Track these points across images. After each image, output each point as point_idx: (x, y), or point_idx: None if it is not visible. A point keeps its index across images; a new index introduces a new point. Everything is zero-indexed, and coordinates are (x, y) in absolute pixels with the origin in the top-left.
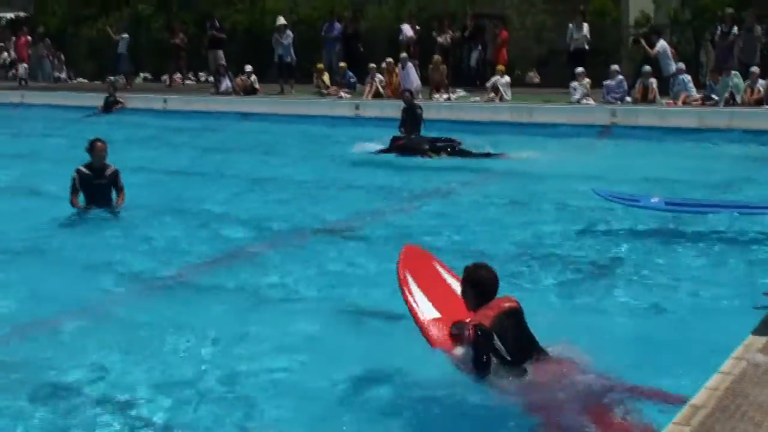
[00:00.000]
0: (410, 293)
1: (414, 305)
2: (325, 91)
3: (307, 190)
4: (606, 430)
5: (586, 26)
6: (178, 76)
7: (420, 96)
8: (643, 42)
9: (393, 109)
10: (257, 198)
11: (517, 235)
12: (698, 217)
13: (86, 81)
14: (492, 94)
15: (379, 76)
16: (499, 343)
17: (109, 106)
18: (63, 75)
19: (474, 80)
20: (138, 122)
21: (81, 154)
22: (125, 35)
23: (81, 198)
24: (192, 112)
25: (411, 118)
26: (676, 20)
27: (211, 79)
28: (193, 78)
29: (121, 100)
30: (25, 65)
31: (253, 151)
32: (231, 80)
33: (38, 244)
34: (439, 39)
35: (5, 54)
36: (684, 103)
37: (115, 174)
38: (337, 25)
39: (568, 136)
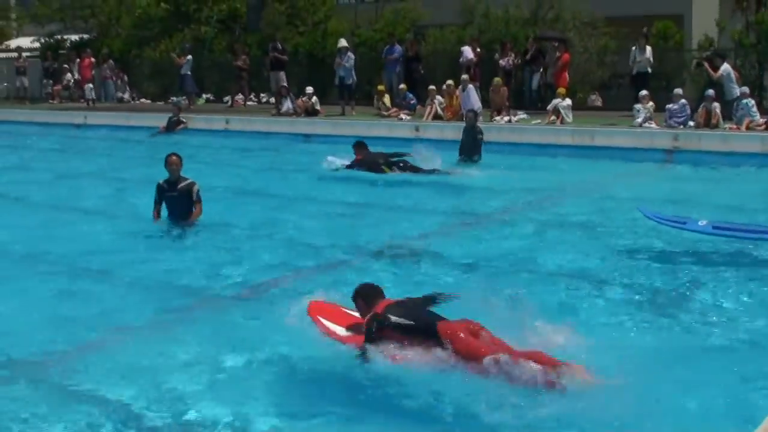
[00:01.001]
0: (325, 326)
1: (331, 331)
2: (385, 113)
3: (368, 210)
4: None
5: (649, 49)
6: (240, 97)
7: (480, 118)
8: (706, 65)
9: (452, 131)
10: (318, 218)
11: (562, 256)
12: (746, 243)
13: (149, 101)
14: (553, 117)
15: (439, 98)
16: (397, 318)
17: (172, 126)
18: (126, 96)
19: (535, 103)
20: (200, 142)
21: (141, 172)
22: (189, 57)
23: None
24: (253, 132)
25: (471, 140)
26: (740, 43)
27: (273, 100)
28: (254, 99)
29: (183, 120)
30: (91, 86)
31: (312, 171)
32: (292, 101)
33: (99, 259)
34: (501, 61)
35: (69, 75)
36: (747, 128)
37: (189, 187)
38: (398, 48)
39: (630, 159)
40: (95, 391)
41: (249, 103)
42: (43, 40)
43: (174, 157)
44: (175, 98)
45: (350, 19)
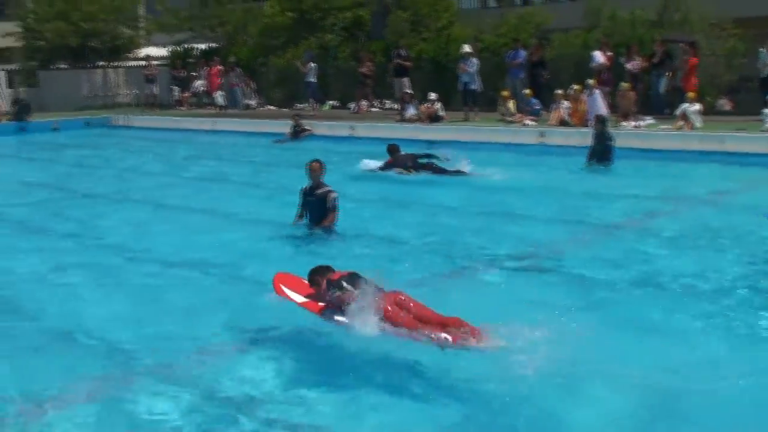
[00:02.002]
0: (287, 294)
1: (292, 298)
2: (509, 119)
3: (482, 218)
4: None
5: None
6: (364, 103)
7: (608, 124)
8: None
9: (578, 137)
10: (447, 224)
11: (698, 265)
12: None
13: (275, 108)
14: (681, 122)
15: (565, 103)
16: (346, 283)
17: (297, 134)
18: (253, 102)
19: (662, 108)
20: (324, 148)
21: (268, 176)
22: (313, 64)
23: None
24: (377, 138)
25: (602, 146)
26: None
27: (397, 106)
28: (378, 105)
29: (307, 127)
30: (222, 92)
31: (432, 179)
32: (416, 107)
33: (227, 261)
34: (627, 65)
35: (198, 83)
36: None
37: (326, 194)
38: (522, 52)
39: (762, 165)
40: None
41: (373, 109)
42: (171, 49)
43: (315, 163)
44: (299, 105)
45: (474, 25)
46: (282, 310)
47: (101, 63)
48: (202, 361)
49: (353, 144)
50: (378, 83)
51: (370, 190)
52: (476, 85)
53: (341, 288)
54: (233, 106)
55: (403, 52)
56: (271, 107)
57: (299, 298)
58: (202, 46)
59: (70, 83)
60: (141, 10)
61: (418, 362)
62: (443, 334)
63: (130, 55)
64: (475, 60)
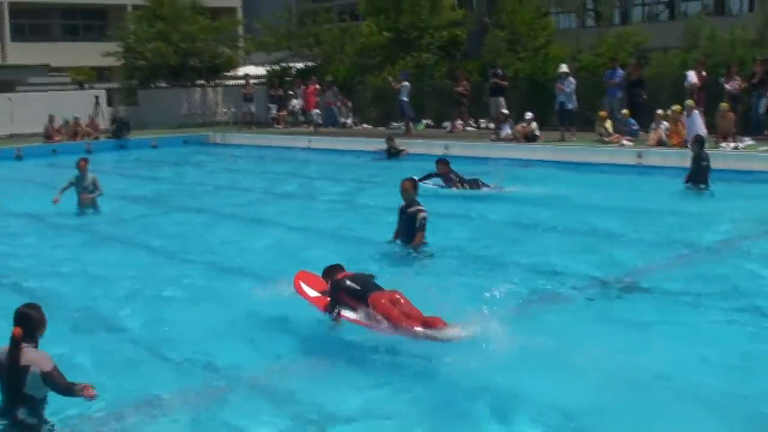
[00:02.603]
0: (303, 290)
1: (306, 294)
2: (606, 139)
3: (580, 237)
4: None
5: None
6: (459, 122)
7: (706, 145)
8: None
9: (677, 157)
10: (541, 244)
11: None
12: None
13: (370, 127)
14: None
15: (664, 124)
16: (349, 283)
17: (392, 155)
18: (349, 121)
19: (762, 128)
20: (419, 167)
21: (361, 195)
22: (406, 83)
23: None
24: (472, 158)
25: (698, 167)
26: None
27: (492, 125)
28: (474, 125)
29: (401, 148)
30: (318, 111)
31: (531, 198)
32: (512, 127)
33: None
34: (727, 86)
35: (295, 101)
36: None
37: (415, 213)
38: (620, 71)
39: None
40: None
41: (468, 128)
42: (269, 68)
43: (406, 182)
44: (394, 123)
45: (571, 44)
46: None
47: (200, 81)
48: (283, 377)
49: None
50: (473, 102)
51: (453, 207)
52: (573, 105)
53: (342, 287)
54: (329, 124)
55: (499, 71)
56: (367, 126)
57: (312, 294)
58: (299, 65)
59: (168, 101)
60: (240, 30)
61: (406, 351)
62: (421, 329)
63: (229, 74)
64: (572, 79)
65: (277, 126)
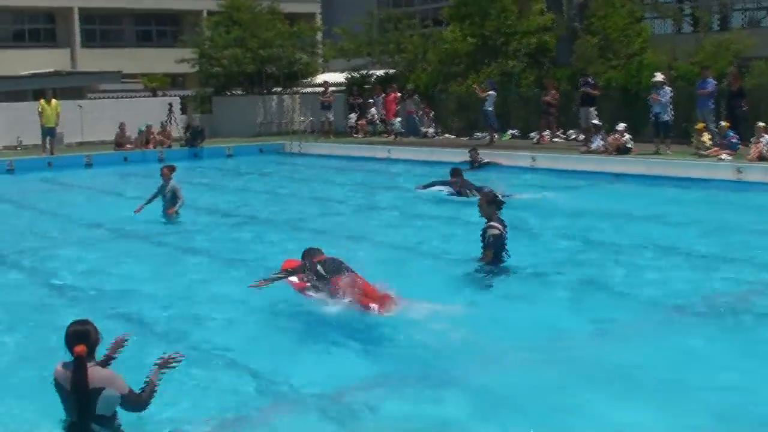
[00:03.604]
0: (286, 276)
1: (288, 280)
2: (703, 152)
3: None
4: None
5: None
6: (547, 133)
7: None
8: None
9: None
10: (638, 264)
11: None
12: None
13: (453, 137)
14: None
15: (765, 137)
16: (320, 268)
17: (476, 167)
18: (430, 130)
19: None
20: (504, 179)
21: (442, 209)
22: (492, 92)
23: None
24: (560, 171)
25: None
26: None
27: (582, 137)
28: (562, 136)
29: (485, 160)
30: (399, 120)
31: (619, 215)
32: (603, 139)
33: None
34: None
35: (374, 110)
36: None
37: (485, 230)
38: (711, 81)
39: None
40: None
41: (556, 139)
42: (348, 75)
43: (482, 199)
44: (478, 134)
45: (667, 51)
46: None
47: (277, 89)
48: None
49: (535, 175)
50: (562, 112)
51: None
52: (668, 116)
53: (311, 270)
54: (410, 133)
55: (590, 80)
56: (449, 136)
57: (294, 279)
58: (380, 72)
59: (244, 109)
60: (319, 36)
61: (366, 324)
62: (375, 305)
63: (306, 81)
64: (667, 89)
65: (355, 135)
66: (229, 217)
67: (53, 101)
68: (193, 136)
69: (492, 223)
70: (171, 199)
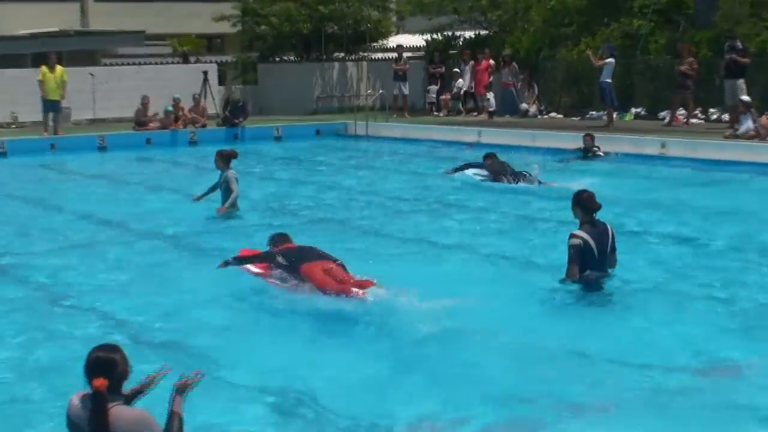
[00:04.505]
0: (242, 264)
1: (248, 268)
2: None
3: None
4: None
5: None
6: (681, 112)
7: None
8: None
9: None
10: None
11: None
12: None
13: (561, 116)
14: None
15: None
16: (282, 259)
17: (588, 157)
18: (532, 108)
19: None
20: (624, 170)
21: (539, 209)
22: (610, 60)
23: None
24: (697, 160)
25: None
26: None
27: (726, 117)
28: (701, 116)
29: (599, 152)
30: (491, 94)
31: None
32: (754, 119)
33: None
34: None
35: (461, 81)
36: None
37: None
38: None
39: None
40: None
41: (693, 120)
42: (429, 38)
43: (585, 194)
44: (593, 113)
45: None
46: None
47: (339, 54)
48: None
49: (664, 166)
50: (701, 86)
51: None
52: None
53: (273, 259)
54: (506, 111)
55: (738, 44)
56: (556, 115)
57: (253, 269)
58: (469, 34)
59: (297, 80)
60: None
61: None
62: (355, 289)
63: (376, 45)
64: None
65: (436, 113)
66: (276, 216)
67: (58, 68)
68: (234, 113)
69: (574, 232)
70: (225, 191)
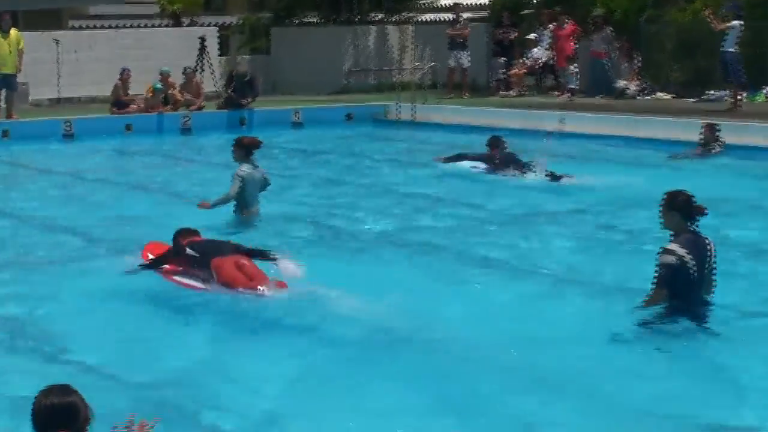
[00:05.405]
0: (148, 260)
1: (152, 263)
2: None
3: None
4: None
5: None
6: None
7: None
8: None
9: None
10: None
11: None
12: None
13: (670, 97)
14: None
15: None
16: (191, 250)
17: (706, 151)
18: (632, 87)
19: None
20: (745, 168)
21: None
22: (735, 22)
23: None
24: None
25: None
26: None
27: None
28: None
29: (719, 144)
30: (575, 68)
31: None
32: None
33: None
34: None
35: (538, 50)
36: None
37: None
38: None
39: None
40: None
41: None
42: None
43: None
44: (713, 92)
45: None
46: None
47: (375, 15)
48: None
49: None
50: None
51: None
52: None
53: (181, 253)
54: (597, 91)
55: None
56: (664, 95)
57: (161, 266)
58: None
59: (322, 48)
60: None
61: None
62: (263, 287)
63: (425, 2)
64: None
65: (505, 93)
66: (297, 229)
67: (12, 32)
68: (239, 92)
69: (668, 246)
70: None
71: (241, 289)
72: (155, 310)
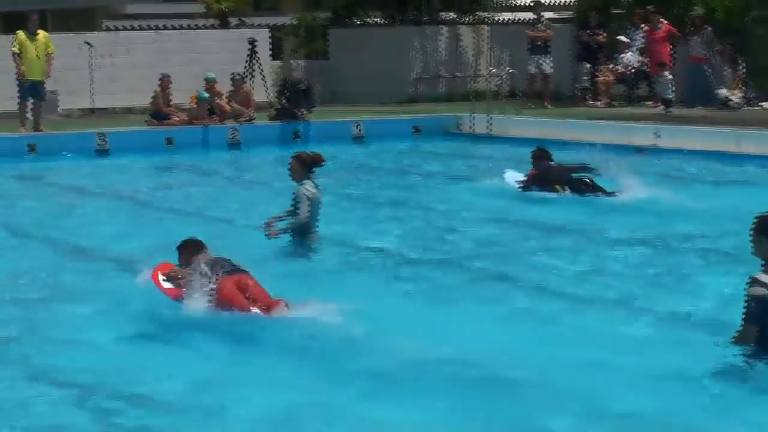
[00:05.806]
0: (158, 281)
1: (160, 284)
2: None
3: None
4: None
5: None
6: None
7: None
8: None
9: None
10: None
11: None
12: None
13: None
14: None
15: None
16: (204, 267)
17: None
18: (736, 96)
19: None
20: None
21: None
22: None
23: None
24: None
25: None
26: None
27: None
28: None
29: None
30: (669, 75)
31: None
32: None
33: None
34: None
35: (629, 55)
36: None
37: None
38: None
39: None
40: None
41: None
42: None
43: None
44: None
45: None
46: None
47: (447, 15)
48: None
49: None
50: None
51: None
52: None
53: (193, 270)
54: (696, 101)
55: None
56: None
57: (166, 285)
58: None
59: (387, 52)
60: None
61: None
62: (264, 309)
63: (502, 1)
64: None
65: (592, 103)
66: (348, 249)
67: (40, 35)
68: (293, 102)
69: (757, 276)
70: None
71: (238, 310)
72: (153, 329)
